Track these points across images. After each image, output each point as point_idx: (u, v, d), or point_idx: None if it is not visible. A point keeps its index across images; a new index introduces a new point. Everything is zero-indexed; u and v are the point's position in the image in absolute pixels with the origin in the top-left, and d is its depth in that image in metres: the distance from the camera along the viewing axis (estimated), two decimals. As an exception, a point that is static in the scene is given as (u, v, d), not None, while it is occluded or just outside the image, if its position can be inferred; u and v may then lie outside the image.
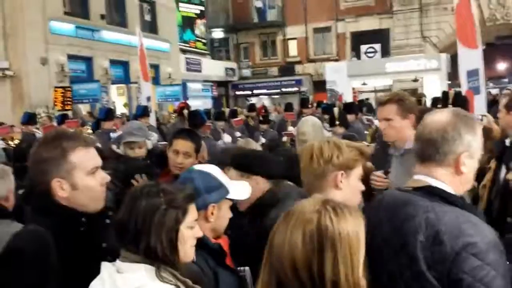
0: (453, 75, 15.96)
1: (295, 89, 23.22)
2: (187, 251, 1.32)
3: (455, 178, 1.41)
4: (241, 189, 1.73)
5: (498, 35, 21.29)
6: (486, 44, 17.63)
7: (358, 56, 19.83)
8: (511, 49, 23.75)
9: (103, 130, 6.53)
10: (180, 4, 20.77)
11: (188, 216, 1.32)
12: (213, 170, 1.68)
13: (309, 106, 9.47)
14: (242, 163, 2.00)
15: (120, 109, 14.86)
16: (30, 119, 7.61)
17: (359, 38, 21.39)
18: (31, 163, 1.49)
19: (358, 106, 8.53)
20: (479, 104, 5.69)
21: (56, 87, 12.38)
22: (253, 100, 21.72)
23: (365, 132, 7.02)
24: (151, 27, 17.62)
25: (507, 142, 2.72)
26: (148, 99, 9.49)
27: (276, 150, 3.29)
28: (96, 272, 1.35)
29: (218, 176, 1.65)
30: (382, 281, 1.35)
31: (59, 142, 1.46)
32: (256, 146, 3.30)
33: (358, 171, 1.64)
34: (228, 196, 1.65)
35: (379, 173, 2.52)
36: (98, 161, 1.51)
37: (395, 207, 1.41)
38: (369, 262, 1.20)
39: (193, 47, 21.66)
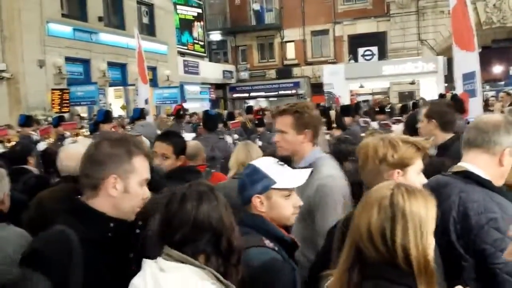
0: (450, 77, 16.01)
1: (293, 91, 23.25)
2: None
3: (495, 169, 1.64)
4: (294, 177, 1.71)
5: (494, 38, 21.41)
6: (482, 47, 17.72)
7: (355, 58, 19.88)
8: (507, 52, 23.87)
9: (101, 133, 6.49)
10: (178, 7, 20.79)
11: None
12: (262, 163, 1.70)
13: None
14: None
15: (117, 112, 14.84)
16: (26, 121, 7.58)
17: (357, 41, 21.46)
18: (88, 156, 1.49)
19: (354, 109, 8.54)
20: (476, 106, 5.70)
21: (53, 89, 12.35)
22: (251, 102, 21.74)
23: (362, 134, 7.03)
24: (149, 30, 17.62)
25: (431, 151, 2.78)
26: (146, 101, 9.49)
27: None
28: (118, 280, 1.36)
29: (264, 168, 1.67)
30: None
31: (126, 143, 1.49)
32: (256, 148, 3.30)
33: (416, 167, 1.65)
34: (275, 186, 1.65)
35: None
36: (149, 176, 1.54)
37: (437, 188, 1.65)
38: None
39: (191, 50, 21.68)
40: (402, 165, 1.61)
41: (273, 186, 1.65)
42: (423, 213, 1.18)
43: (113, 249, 1.44)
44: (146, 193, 1.52)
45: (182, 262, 1.26)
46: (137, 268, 1.35)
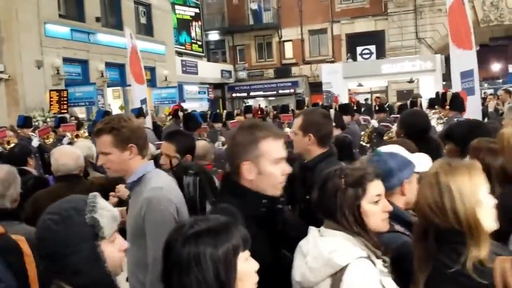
0: (448, 76, 16.04)
1: (291, 90, 23.26)
2: (377, 224, 1.54)
3: None
4: (423, 161, 1.87)
5: (492, 36, 21.45)
6: (480, 45, 17.75)
7: (353, 57, 19.89)
8: (505, 50, 23.94)
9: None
10: (176, 7, 20.77)
11: (368, 193, 1.53)
12: (399, 149, 1.85)
13: (305, 108, 9.49)
14: None
15: (116, 112, 14.81)
16: (25, 122, 7.57)
17: (355, 40, 21.47)
18: (227, 147, 1.70)
19: (353, 108, 8.54)
20: (474, 104, 5.72)
21: (51, 90, 12.33)
22: (250, 102, 21.75)
23: (362, 132, 7.03)
24: (146, 30, 17.60)
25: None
26: (143, 101, 9.43)
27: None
28: (269, 254, 1.54)
29: (405, 154, 1.81)
30: None
31: (253, 130, 1.63)
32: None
33: None
34: (415, 170, 1.80)
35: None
36: (284, 153, 1.66)
37: None
38: None
39: (189, 50, 21.65)
40: None
41: (414, 170, 1.80)
42: (466, 182, 1.39)
43: (265, 223, 1.60)
44: (285, 169, 1.64)
45: (338, 231, 1.49)
46: (283, 245, 1.57)
